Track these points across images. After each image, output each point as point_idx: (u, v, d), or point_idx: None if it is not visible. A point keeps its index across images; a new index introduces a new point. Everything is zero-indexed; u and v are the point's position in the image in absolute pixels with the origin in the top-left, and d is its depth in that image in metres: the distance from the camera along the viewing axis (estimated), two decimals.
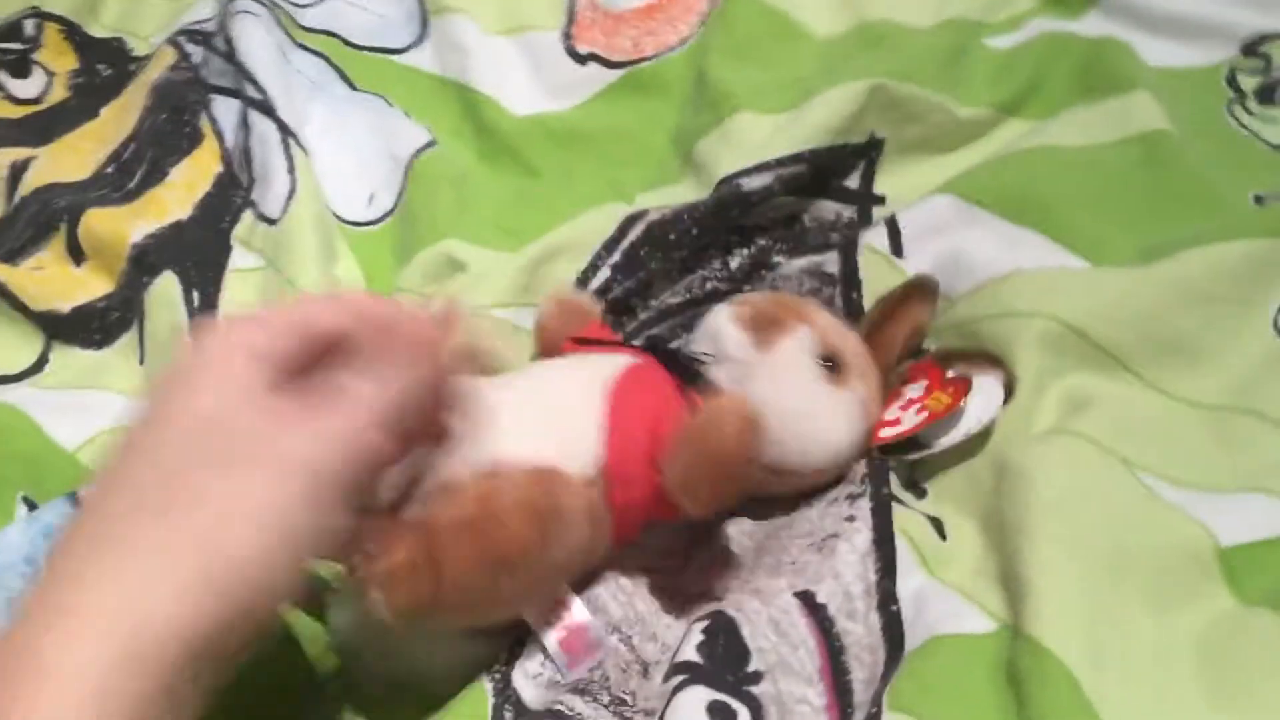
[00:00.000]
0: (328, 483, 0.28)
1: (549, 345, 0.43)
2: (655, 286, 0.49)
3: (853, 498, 0.40)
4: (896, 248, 0.47)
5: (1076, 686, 0.31)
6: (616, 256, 0.48)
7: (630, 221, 0.49)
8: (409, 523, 0.33)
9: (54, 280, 0.52)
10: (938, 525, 0.39)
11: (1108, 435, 0.39)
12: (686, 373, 0.39)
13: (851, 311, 0.47)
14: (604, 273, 0.48)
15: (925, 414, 0.41)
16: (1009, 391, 0.41)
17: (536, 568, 0.34)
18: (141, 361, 0.50)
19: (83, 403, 0.48)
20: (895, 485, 0.41)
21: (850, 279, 0.48)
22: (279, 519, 0.27)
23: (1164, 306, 0.42)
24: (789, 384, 0.39)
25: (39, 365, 0.50)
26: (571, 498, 0.34)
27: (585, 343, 0.42)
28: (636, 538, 0.38)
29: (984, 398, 0.41)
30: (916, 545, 0.39)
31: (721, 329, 0.40)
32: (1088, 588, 0.34)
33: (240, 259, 0.52)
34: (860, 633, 0.36)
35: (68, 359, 0.50)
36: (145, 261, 0.51)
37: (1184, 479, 0.38)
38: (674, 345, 0.45)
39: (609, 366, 0.38)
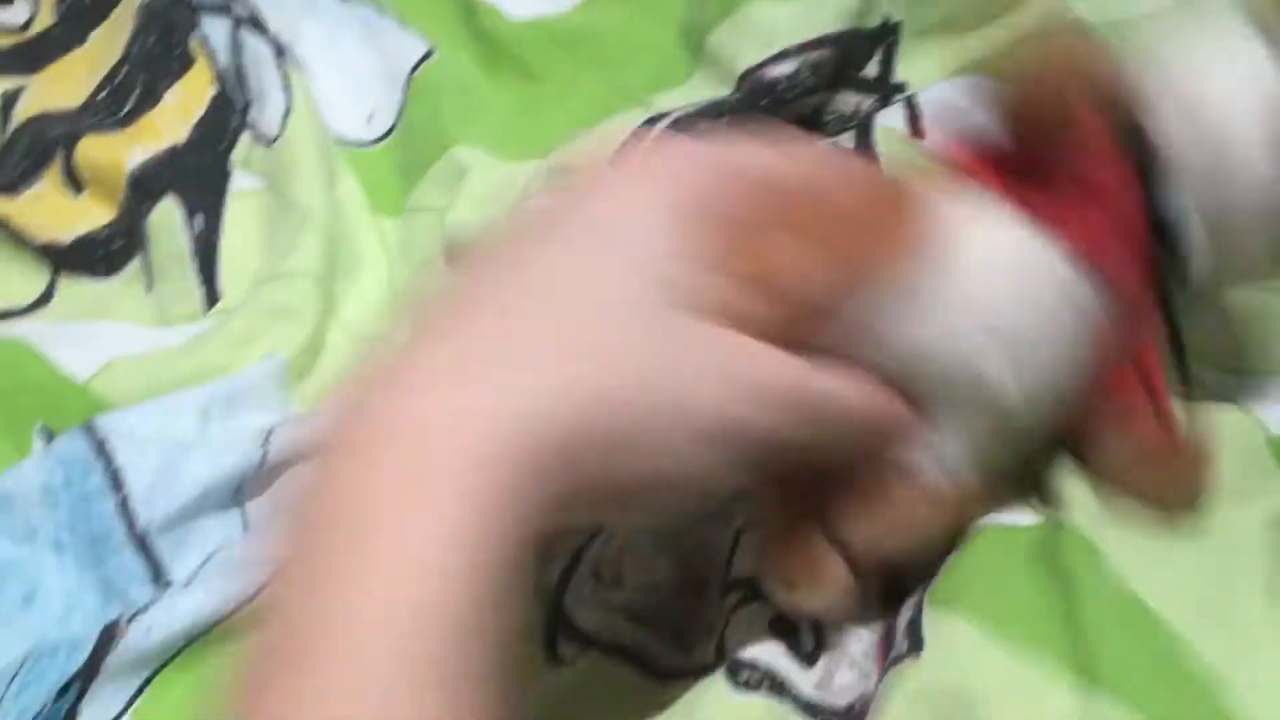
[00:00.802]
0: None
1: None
2: None
3: None
4: (916, 129, 0.45)
5: (1122, 578, 0.30)
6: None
7: (655, 119, 0.46)
8: None
9: (54, 211, 0.51)
10: None
11: None
12: None
13: None
14: None
15: None
16: None
17: None
18: (149, 289, 0.49)
19: (91, 333, 0.47)
20: None
21: (867, 153, 0.46)
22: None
23: None
24: None
25: (46, 298, 0.50)
26: None
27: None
28: None
29: None
30: None
31: None
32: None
33: (241, 182, 0.51)
34: None
35: (74, 290, 0.49)
36: (145, 187, 0.50)
37: (1234, 365, 0.35)
38: None
39: None
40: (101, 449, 0.39)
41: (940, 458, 0.28)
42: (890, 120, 0.46)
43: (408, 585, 0.20)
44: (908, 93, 0.47)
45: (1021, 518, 0.33)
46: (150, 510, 0.38)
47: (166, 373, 0.43)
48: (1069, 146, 0.26)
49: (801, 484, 0.28)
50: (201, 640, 0.35)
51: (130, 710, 0.35)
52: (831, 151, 0.26)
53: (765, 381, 0.24)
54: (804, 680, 0.31)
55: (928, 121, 0.45)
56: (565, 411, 0.22)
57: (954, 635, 0.29)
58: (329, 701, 0.19)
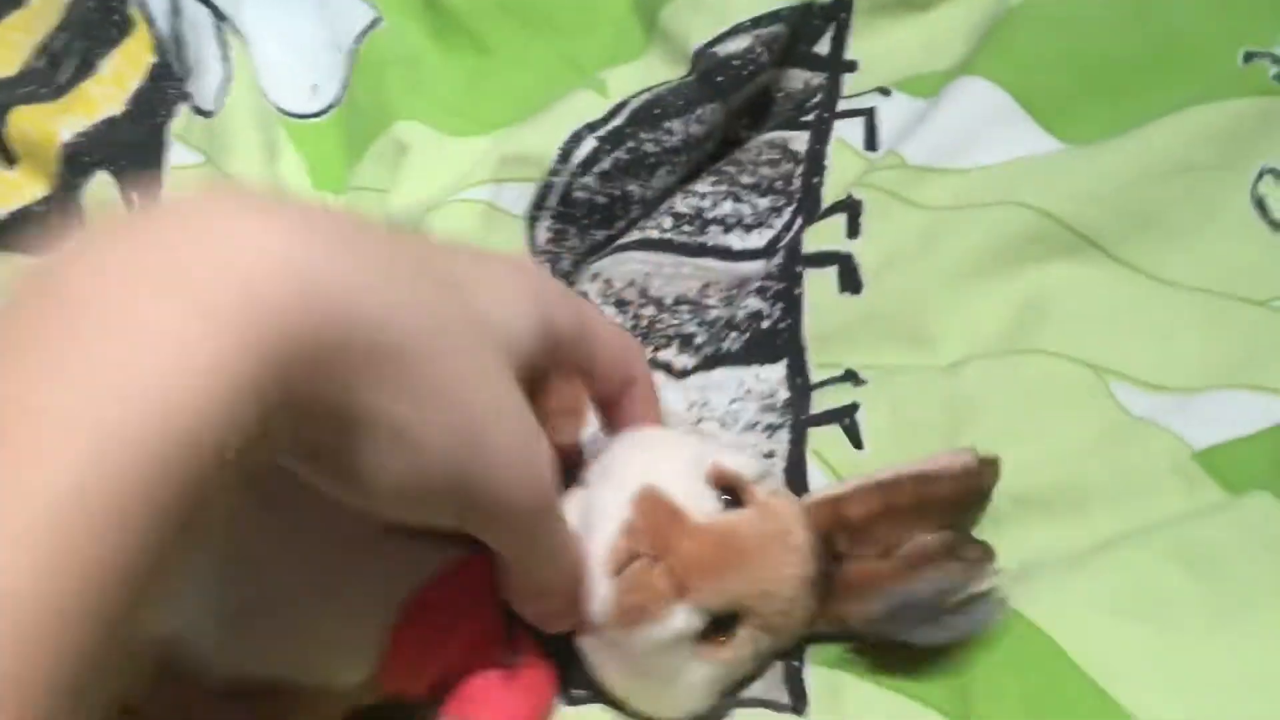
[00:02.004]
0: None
1: None
2: (650, 172, 0.46)
3: (771, 428, 0.37)
4: (871, 142, 0.44)
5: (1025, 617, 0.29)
6: (602, 131, 0.46)
7: (617, 109, 0.46)
8: None
9: None
10: (853, 431, 0.36)
11: (1073, 337, 0.36)
12: None
13: (810, 196, 0.45)
14: (589, 144, 0.45)
15: None
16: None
17: None
18: None
19: None
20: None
21: (815, 162, 0.45)
22: None
23: (1139, 178, 0.39)
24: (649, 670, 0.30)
25: None
26: None
27: None
28: None
29: None
30: (826, 461, 0.36)
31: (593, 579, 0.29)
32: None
33: (179, 156, 0.49)
34: None
35: (7, 267, 0.48)
36: (78, 161, 0.48)
37: (1158, 381, 0.35)
38: None
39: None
40: None
41: None
42: (847, 132, 0.45)
43: (160, 378, 0.17)
44: (858, 71, 0.47)
45: None
46: None
47: None
48: None
49: None
50: None
51: None
52: None
53: (528, 447, 0.25)
54: None
55: (884, 135, 0.44)
56: (349, 299, 0.20)
57: (840, 689, 0.29)
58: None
